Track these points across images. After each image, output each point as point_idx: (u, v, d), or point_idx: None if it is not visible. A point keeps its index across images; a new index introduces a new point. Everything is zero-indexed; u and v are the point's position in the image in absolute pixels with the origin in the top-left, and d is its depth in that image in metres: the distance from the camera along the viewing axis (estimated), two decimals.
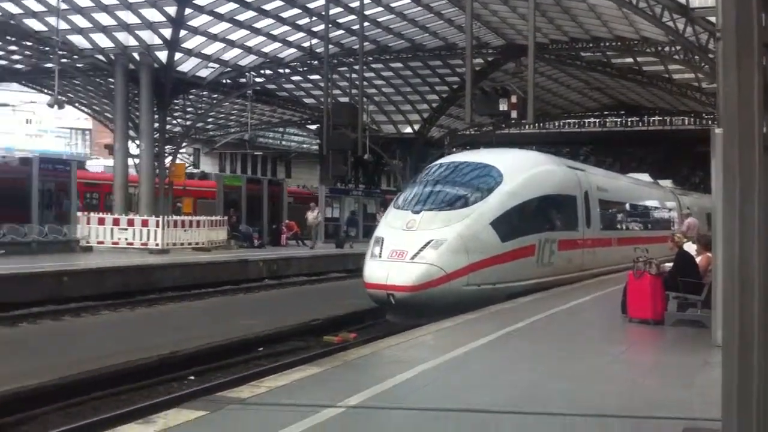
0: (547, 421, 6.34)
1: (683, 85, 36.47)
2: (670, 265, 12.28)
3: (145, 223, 25.38)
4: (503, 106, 22.47)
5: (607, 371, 8.44)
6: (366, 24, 27.67)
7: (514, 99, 22.40)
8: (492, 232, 14.91)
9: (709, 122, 39.50)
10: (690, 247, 12.66)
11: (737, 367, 4.24)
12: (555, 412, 6.56)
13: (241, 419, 6.22)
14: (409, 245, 14.10)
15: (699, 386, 7.60)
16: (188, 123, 38.97)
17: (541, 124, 47.98)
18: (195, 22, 29.46)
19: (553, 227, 17.45)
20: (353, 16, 28.88)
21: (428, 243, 13.97)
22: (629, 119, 48.61)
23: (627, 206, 25.60)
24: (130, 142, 30.91)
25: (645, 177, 33.42)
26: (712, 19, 22.75)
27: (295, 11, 29.62)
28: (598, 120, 49.62)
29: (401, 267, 13.78)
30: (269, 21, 30.41)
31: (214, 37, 30.88)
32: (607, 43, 31.84)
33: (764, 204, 4.14)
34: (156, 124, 31.48)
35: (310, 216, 33.49)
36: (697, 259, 11.98)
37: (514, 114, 22.10)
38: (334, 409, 6.40)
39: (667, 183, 35.24)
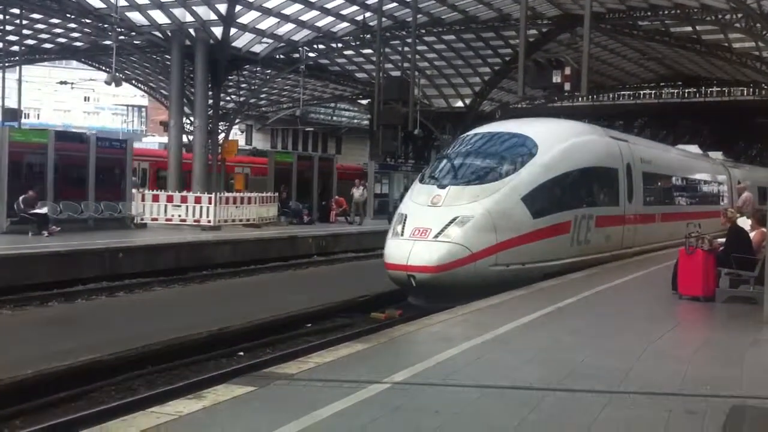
0: (594, 399, 6.32)
1: (743, 54, 35.43)
2: (722, 240, 12.06)
3: (198, 200, 25.71)
4: (557, 78, 22.12)
5: (655, 348, 8.36)
6: None
7: (567, 71, 22.04)
8: (523, 208, 14.03)
9: None
10: (744, 223, 12.40)
11: None
12: (602, 389, 6.54)
13: (288, 395, 6.33)
14: (432, 222, 13.32)
15: (748, 364, 7.49)
16: (242, 99, 39.28)
17: (595, 96, 47.13)
18: None
19: (590, 202, 16.38)
20: None
21: (453, 220, 13.21)
22: (686, 90, 47.44)
23: (673, 180, 24.26)
24: (184, 118, 31.32)
25: (694, 149, 31.70)
26: None
27: None
28: (653, 91, 48.52)
29: (423, 246, 12.99)
30: None
31: (268, 12, 30.98)
32: (666, 12, 31.02)
33: None
34: (210, 101, 31.82)
35: (356, 193, 33.55)
36: (751, 235, 11.75)
37: (567, 86, 21.80)
38: (380, 385, 6.48)
39: (717, 155, 33.68)
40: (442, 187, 14.11)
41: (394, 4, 31.55)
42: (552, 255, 14.62)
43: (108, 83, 27.60)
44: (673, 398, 6.33)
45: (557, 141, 16.00)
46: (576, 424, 5.66)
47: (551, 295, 11.92)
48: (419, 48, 35.09)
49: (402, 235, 13.49)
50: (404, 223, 13.65)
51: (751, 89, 44.51)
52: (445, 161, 15.64)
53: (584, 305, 11.32)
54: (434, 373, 6.95)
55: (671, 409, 6.02)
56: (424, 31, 33.55)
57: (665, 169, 22.80)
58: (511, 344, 8.37)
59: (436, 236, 13.05)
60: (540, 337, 8.80)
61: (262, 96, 48.54)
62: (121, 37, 30.41)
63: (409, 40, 27.82)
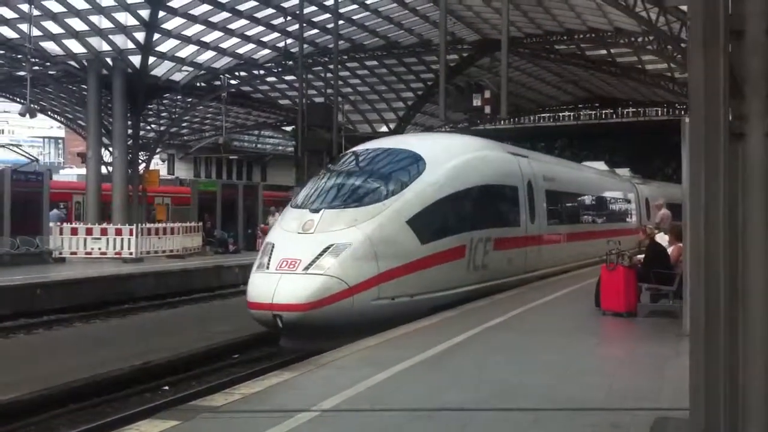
0: (521, 417, 6.37)
1: (656, 76, 36.70)
2: (642, 257, 12.38)
3: (118, 232, 25.14)
4: (477, 102, 22.50)
5: (580, 364, 8.48)
6: (340, 22, 27.62)
7: (487, 94, 22.44)
8: (409, 232, 12.60)
9: (681, 112, 39.79)
10: (663, 239, 12.76)
11: (703, 356, 4.27)
12: (528, 407, 6.59)
13: (214, 428, 6.20)
14: (303, 252, 11.68)
15: (670, 376, 7.67)
16: (162, 128, 38.74)
17: (516, 119, 48.12)
18: (168, 25, 29.28)
19: (488, 223, 14.92)
20: (328, 15, 28.80)
21: (327, 249, 11.64)
22: (603, 111, 48.87)
23: (579, 197, 23.32)
24: (103, 149, 30.69)
25: (601, 165, 31.08)
26: (684, 8, 22.91)
27: (270, 11, 29.51)
28: (572, 113, 49.85)
29: (291, 280, 11.34)
30: (243, 22, 30.29)
31: (187, 40, 30.71)
32: (581, 36, 31.96)
33: (730, 192, 4.16)
34: (129, 131, 31.30)
35: (272, 220, 33.33)
36: (669, 250, 12.09)
37: (487, 109, 22.17)
38: (309, 413, 6.39)
39: (625, 172, 32.89)
40: (315, 211, 12.56)
41: (315, 31, 31.66)
42: (445, 284, 13.22)
43: (22, 115, 26.94)
44: (599, 413, 6.43)
45: (449, 157, 14.65)
46: None
47: (480, 316, 12.00)
48: (342, 74, 35.24)
49: (267, 267, 11.87)
50: (271, 253, 12.07)
51: (665, 109, 46.12)
52: (321, 182, 13.94)
53: (511, 323, 11.42)
54: (363, 399, 6.89)
55: (596, 423, 6.10)
56: (346, 57, 33.74)
57: (570, 186, 21.90)
58: (440, 365, 8.37)
59: (307, 268, 11.46)
60: (469, 357, 8.83)
61: (184, 124, 47.95)
62: (36, 68, 29.67)
63: (332, 66, 27.92)
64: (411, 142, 15.94)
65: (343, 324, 11.19)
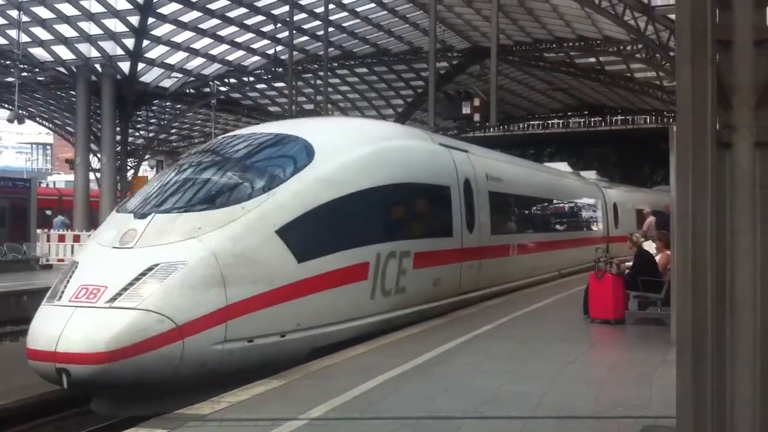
0: (509, 425, 6.36)
1: (645, 84, 36.94)
2: (629, 264, 12.43)
3: None
4: (466, 110, 22.53)
5: (569, 372, 8.49)
6: (330, 29, 27.65)
7: (477, 102, 22.48)
8: (280, 246, 9.21)
9: (670, 120, 40.02)
10: (650, 247, 12.81)
11: (691, 364, 4.28)
12: (516, 415, 6.59)
13: None
14: (112, 276, 8.25)
15: (657, 384, 7.69)
16: (151, 135, 38.69)
17: (506, 127, 48.28)
18: (158, 32, 29.30)
19: (404, 233, 11.69)
20: (318, 22, 28.87)
21: (149, 271, 8.25)
22: (592, 119, 49.11)
23: (533, 202, 20.00)
24: (91, 155, 30.63)
25: (563, 166, 28.40)
26: (673, 16, 23.07)
27: (260, 18, 29.56)
28: (561, 121, 50.07)
29: (87, 317, 7.88)
30: (233, 29, 30.35)
31: (177, 47, 30.72)
32: (570, 44, 32.17)
33: (717, 201, 4.18)
34: (118, 137, 31.24)
35: None
36: (657, 258, 12.13)
37: (477, 117, 22.23)
38: (296, 422, 6.36)
39: (591, 174, 30.17)
40: (141, 216, 9.07)
41: (306, 38, 31.70)
42: (336, 315, 10.00)
43: (11, 121, 26.88)
44: (587, 421, 6.43)
45: (350, 146, 11.33)
46: None
47: (469, 324, 11.99)
48: (332, 81, 35.30)
49: (59, 298, 8.30)
50: (69, 277, 8.56)
51: (654, 117, 46.38)
52: (164, 177, 10.46)
53: (500, 331, 11.42)
54: (352, 407, 6.87)
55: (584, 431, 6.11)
56: (336, 64, 33.80)
57: (522, 188, 18.45)
58: (429, 373, 8.36)
59: (113, 299, 8.00)
60: (458, 365, 8.82)
61: (173, 131, 47.94)
62: (24, 74, 29.64)
63: (322, 74, 27.92)
64: (300, 126, 12.29)
65: (168, 379, 8.02)
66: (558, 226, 22.16)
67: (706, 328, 4.24)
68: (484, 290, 15.01)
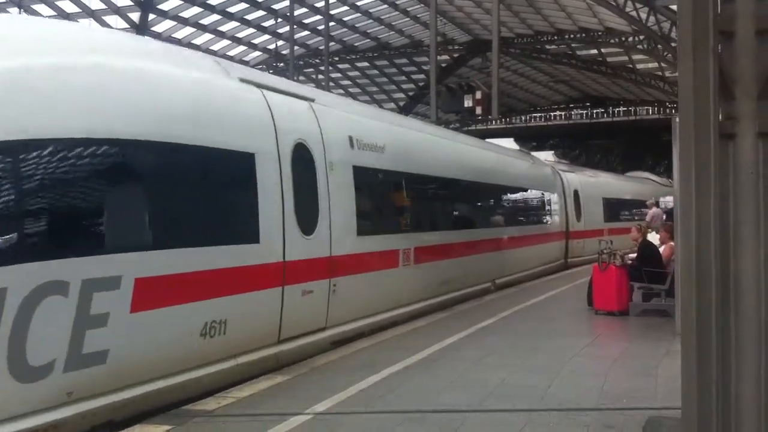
0: (514, 418, 6.37)
1: (647, 75, 36.93)
2: (633, 256, 12.44)
3: None
4: (468, 103, 22.55)
5: (573, 364, 8.49)
6: (331, 24, 27.66)
7: (479, 95, 22.51)
8: None
9: (672, 111, 39.94)
10: (654, 238, 12.81)
11: (695, 354, 4.28)
12: (522, 408, 6.60)
13: None
14: None
15: (662, 375, 7.71)
16: None
17: (508, 119, 48.26)
18: (158, 28, 29.33)
19: (100, 241, 6.29)
20: (319, 17, 28.88)
21: None
22: (594, 111, 49.06)
23: (444, 186, 13.98)
24: None
25: (508, 143, 22.44)
26: (674, 7, 23.03)
27: (260, 13, 29.59)
28: (563, 113, 50.00)
29: None
30: (234, 24, 30.38)
31: (178, 43, 30.67)
32: (572, 35, 32.18)
33: (720, 192, 4.17)
34: None
35: None
36: (661, 249, 12.13)
37: (479, 110, 22.20)
38: (302, 416, 6.38)
39: (547, 155, 25.22)
40: None
41: (306, 33, 31.72)
42: None
43: None
44: (591, 413, 6.43)
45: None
46: None
47: (472, 317, 11.99)
48: (333, 75, 35.29)
49: None
50: None
51: (656, 108, 46.32)
52: None
53: (503, 324, 11.43)
54: (357, 401, 6.89)
55: (589, 424, 6.11)
56: (337, 58, 33.81)
57: (424, 164, 12.79)
58: (433, 367, 8.37)
59: None
60: (461, 359, 8.83)
61: None
62: None
63: (323, 68, 27.90)
64: None
65: None
66: (488, 221, 16.47)
67: (711, 318, 4.24)
68: (346, 326, 9.88)
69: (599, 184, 26.61)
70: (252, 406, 6.76)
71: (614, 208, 27.11)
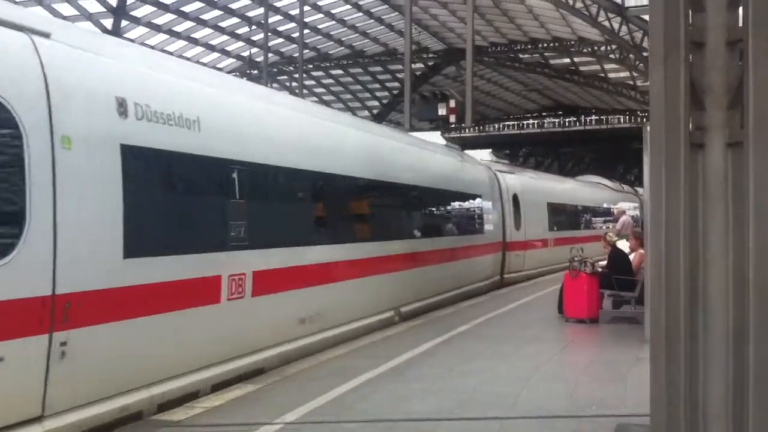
0: (485, 426, 6.36)
1: (619, 84, 37.25)
2: (604, 263, 12.50)
3: None
4: (442, 111, 22.60)
5: (544, 371, 8.50)
6: (306, 31, 27.62)
7: (452, 103, 22.57)
8: None
9: (644, 119, 40.31)
10: (624, 246, 12.89)
11: (664, 362, 4.30)
12: (493, 416, 6.58)
13: None
14: None
15: (631, 382, 7.74)
16: None
17: (481, 128, 48.45)
18: (132, 34, 29.08)
19: None
20: (293, 24, 28.81)
21: None
22: (567, 119, 49.35)
23: (323, 183, 10.26)
24: None
25: (435, 136, 20.01)
26: (646, 17, 23.28)
27: (234, 20, 29.46)
28: (536, 121, 50.26)
29: None
30: (208, 31, 30.22)
31: (151, 49, 30.50)
32: (545, 45, 32.38)
33: (690, 200, 4.20)
34: None
35: None
36: (631, 257, 12.21)
37: (452, 118, 22.25)
38: (271, 427, 6.32)
39: (482, 154, 23.01)
40: None
41: (281, 40, 31.63)
42: None
43: None
44: (562, 420, 6.44)
45: None
46: None
47: (446, 324, 11.97)
48: (307, 83, 35.24)
49: None
50: None
51: (628, 117, 46.67)
52: None
53: (476, 331, 11.42)
54: (327, 411, 6.83)
55: (560, 430, 6.11)
56: (311, 66, 33.76)
57: (258, 149, 8.62)
58: (405, 375, 8.34)
59: None
60: (434, 366, 8.81)
61: None
62: None
63: (297, 75, 27.84)
64: None
65: None
66: (389, 231, 12.55)
67: (679, 326, 4.26)
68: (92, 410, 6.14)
69: (544, 187, 23.52)
70: (221, 416, 6.68)
71: (561, 214, 24.51)
